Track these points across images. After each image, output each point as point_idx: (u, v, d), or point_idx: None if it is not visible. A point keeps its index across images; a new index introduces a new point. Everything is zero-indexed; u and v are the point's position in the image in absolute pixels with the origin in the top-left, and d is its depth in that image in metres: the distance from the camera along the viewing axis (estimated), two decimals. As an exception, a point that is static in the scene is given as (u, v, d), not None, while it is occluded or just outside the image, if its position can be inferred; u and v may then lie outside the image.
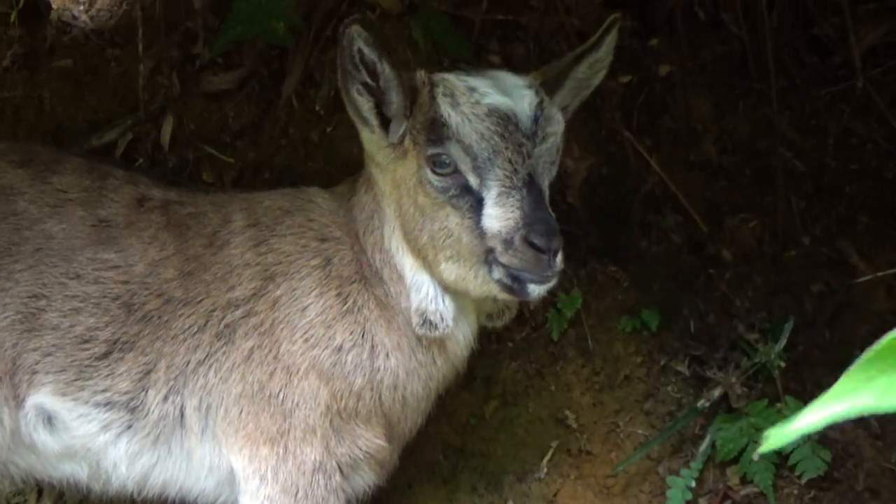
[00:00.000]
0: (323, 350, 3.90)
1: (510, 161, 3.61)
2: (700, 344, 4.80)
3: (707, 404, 4.70)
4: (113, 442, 3.97)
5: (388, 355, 3.93)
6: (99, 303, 3.91)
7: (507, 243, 3.59)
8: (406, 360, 3.96)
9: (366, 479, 4.07)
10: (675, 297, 4.86)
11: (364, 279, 3.93)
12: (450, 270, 3.75)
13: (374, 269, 3.93)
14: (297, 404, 3.89)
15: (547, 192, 3.70)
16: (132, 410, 3.93)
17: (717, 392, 4.70)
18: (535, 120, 3.66)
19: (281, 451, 3.91)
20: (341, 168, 4.81)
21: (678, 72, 4.93)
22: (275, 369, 3.89)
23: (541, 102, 3.70)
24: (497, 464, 4.80)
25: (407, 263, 3.86)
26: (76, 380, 3.92)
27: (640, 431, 4.77)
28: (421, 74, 3.76)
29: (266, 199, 4.11)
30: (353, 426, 3.95)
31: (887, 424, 4.68)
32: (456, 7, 4.86)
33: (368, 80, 3.70)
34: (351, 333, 3.91)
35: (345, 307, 3.91)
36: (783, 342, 4.71)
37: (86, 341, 3.91)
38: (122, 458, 3.99)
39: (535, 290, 3.69)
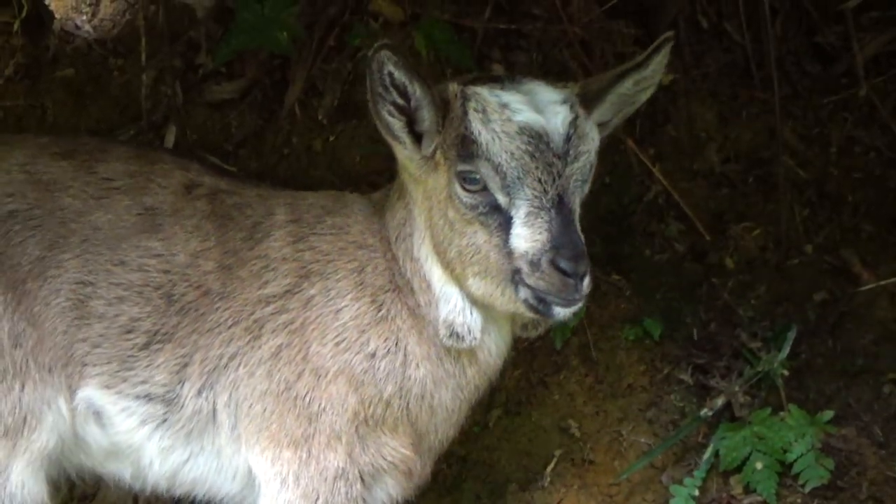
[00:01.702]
0: (355, 355, 3.88)
1: (540, 181, 3.57)
2: (703, 352, 4.80)
3: (710, 413, 4.70)
4: (149, 436, 3.97)
5: (418, 365, 3.91)
6: (141, 291, 3.91)
7: (534, 265, 3.57)
8: (435, 370, 3.93)
9: (389, 491, 4.04)
10: (678, 306, 4.86)
11: (397, 288, 3.91)
12: (477, 286, 3.73)
13: (405, 278, 3.91)
14: (324, 408, 3.87)
15: (578, 211, 3.66)
16: (168, 403, 3.93)
17: (720, 401, 4.70)
18: (568, 138, 3.60)
19: (304, 456, 3.89)
20: (344, 177, 4.82)
21: (681, 80, 4.93)
22: (303, 370, 3.88)
23: (575, 119, 3.64)
24: (500, 473, 4.80)
25: (435, 274, 3.84)
26: (119, 371, 3.92)
27: (643, 440, 4.76)
28: (454, 87, 3.71)
29: (310, 196, 4.09)
30: (378, 434, 3.93)
31: (890, 433, 4.68)
32: (458, 16, 4.85)
33: (399, 101, 3.66)
34: (385, 341, 3.89)
35: (379, 314, 3.89)
36: (786, 350, 4.72)
37: (129, 331, 3.91)
38: (155, 453, 3.99)
39: (561, 313, 3.67)
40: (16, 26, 4.84)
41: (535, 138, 3.58)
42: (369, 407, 3.89)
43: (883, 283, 4.81)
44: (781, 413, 4.65)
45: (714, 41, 4.99)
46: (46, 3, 5.05)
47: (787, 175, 4.87)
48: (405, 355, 3.90)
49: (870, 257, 4.87)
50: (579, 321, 4.80)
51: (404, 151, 3.77)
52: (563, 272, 3.54)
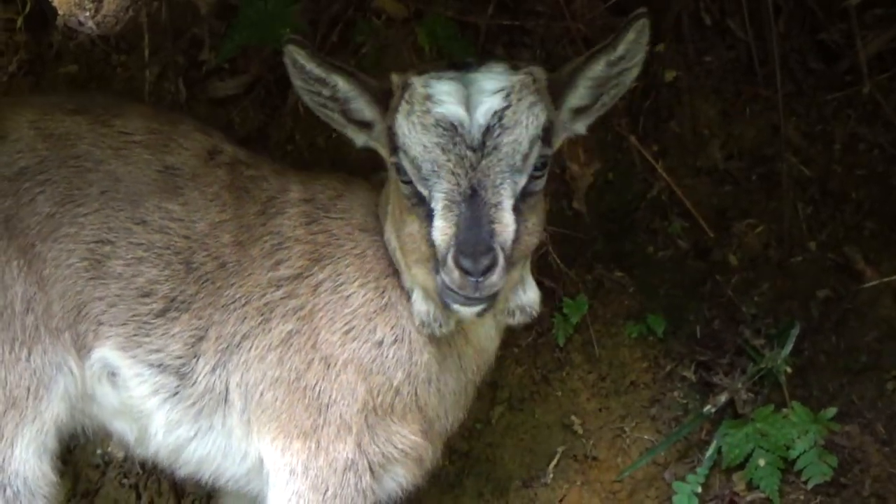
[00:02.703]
0: (363, 343, 3.87)
1: (453, 173, 3.52)
2: (706, 349, 4.81)
3: (713, 410, 4.70)
4: (159, 406, 3.95)
5: (421, 350, 3.90)
6: (161, 254, 3.89)
7: (443, 260, 3.52)
8: (437, 354, 3.92)
9: (400, 479, 4.03)
10: (682, 303, 4.86)
11: (396, 272, 3.90)
12: (416, 272, 3.72)
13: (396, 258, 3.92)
14: (334, 399, 3.86)
15: (506, 202, 3.54)
16: (182, 377, 3.92)
17: (723, 397, 4.70)
18: (487, 129, 3.53)
19: (313, 447, 3.87)
20: (347, 173, 4.81)
21: (684, 77, 4.93)
22: (312, 359, 3.87)
23: (504, 109, 3.55)
24: (503, 469, 4.80)
25: (402, 263, 3.84)
26: (135, 335, 3.90)
27: (646, 437, 4.77)
28: (396, 78, 3.69)
29: (323, 177, 4.08)
30: (388, 422, 3.92)
31: (894, 431, 4.69)
32: (462, 12, 4.85)
33: (325, 92, 3.68)
34: (392, 328, 3.88)
35: (383, 301, 3.89)
36: (789, 348, 4.72)
37: (146, 294, 3.89)
38: (162, 424, 3.97)
39: (461, 311, 3.60)
40: (19, 23, 4.83)
41: (450, 130, 3.52)
42: (378, 395, 3.88)
43: (886, 280, 4.81)
44: (784, 410, 4.66)
45: (717, 38, 4.99)
46: (49, -1, 5.06)
47: (790, 172, 4.87)
48: (410, 342, 3.88)
49: (873, 255, 4.87)
50: (582, 318, 4.80)
51: (359, 139, 3.80)
52: (464, 270, 3.46)
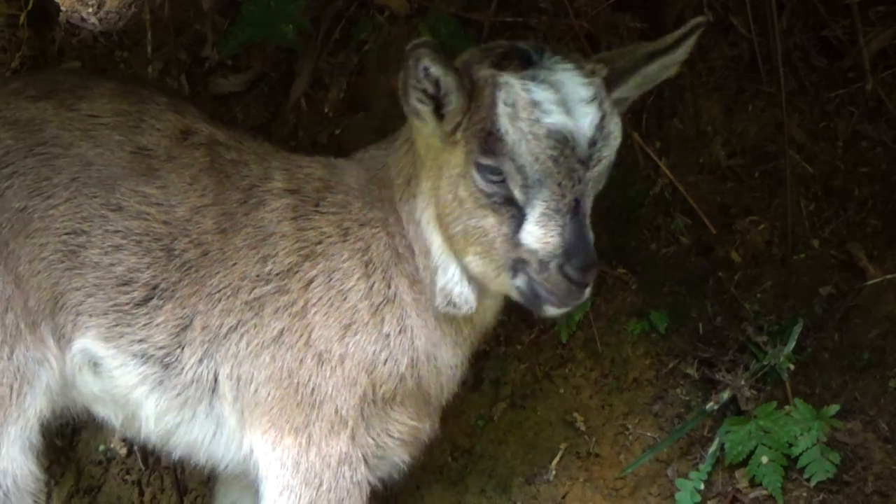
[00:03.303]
0: (368, 336, 3.86)
1: (560, 185, 3.54)
2: (709, 346, 4.80)
3: (716, 407, 4.70)
4: (146, 396, 3.92)
5: (421, 336, 3.91)
6: (140, 241, 3.83)
7: (543, 266, 3.57)
8: (434, 335, 3.93)
9: (397, 461, 4.04)
10: (684, 300, 4.86)
11: (398, 260, 3.90)
12: (475, 264, 3.74)
13: (406, 241, 3.90)
14: (329, 395, 3.84)
15: (590, 208, 3.64)
16: (166, 367, 3.88)
17: (725, 394, 4.69)
18: (593, 142, 3.57)
19: (304, 442, 3.86)
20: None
21: (687, 74, 4.93)
22: (304, 357, 3.85)
23: (602, 119, 3.59)
24: (506, 466, 4.80)
25: (435, 242, 3.84)
26: (116, 325, 3.85)
27: (648, 434, 4.76)
28: (485, 72, 3.65)
29: (304, 164, 4.01)
30: (386, 412, 3.92)
31: (897, 427, 4.69)
32: (464, 9, 4.85)
33: (430, 89, 3.64)
34: (397, 320, 3.88)
35: (389, 292, 3.88)
36: (792, 344, 4.71)
37: (126, 283, 3.83)
38: (151, 413, 3.94)
39: (550, 311, 3.71)
40: (22, 19, 4.84)
41: (562, 143, 3.53)
42: (381, 386, 3.88)
43: (889, 277, 4.81)
44: (787, 407, 4.65)
45: (720, 35, 4.99)
46: (52, -5, 5.07)
47: (793, 169, 4.87)
48: (411, 329, 3.89)
49: (876, 252, 4.87)
50: (584, 315, 4.80)
51: (425, 129, 3.75)
52: (570, 279, 3.54)
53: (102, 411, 4.06)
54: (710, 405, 4.70)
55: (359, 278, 3.88)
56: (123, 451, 5.01)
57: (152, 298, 3.85)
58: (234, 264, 3.87)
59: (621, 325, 4.83)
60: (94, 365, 3.93)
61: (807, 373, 4.77)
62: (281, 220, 3.90)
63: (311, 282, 3.87)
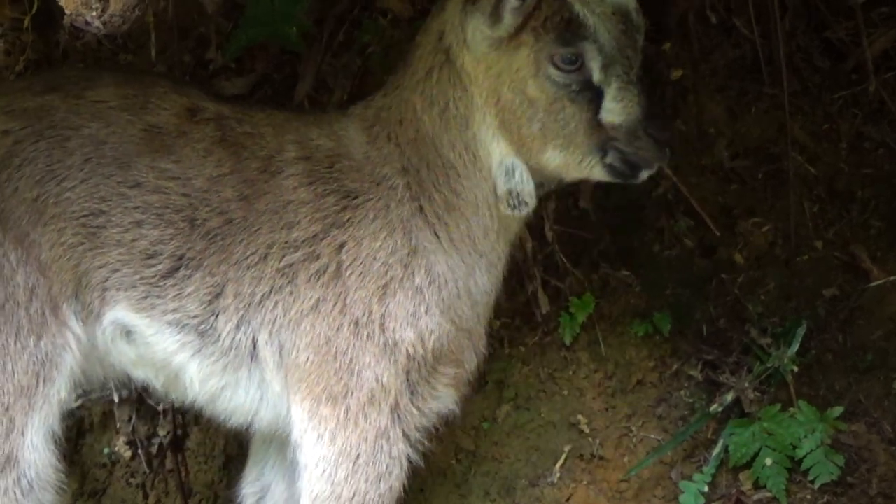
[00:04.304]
0: (405, 293, 3.86)
1: (629, 57, 3.78)
2: (712, 348, 4.80)
3: (720, 409, 4.70)
4: (188, 361, 3.91)
5: (452, 274, 3.92)
6: (161, 213, 3.82)
7: (631, 134, 3.76)
8: (468, 264, 3.96)
9: (445, 409, 4.05)
10: (688, 302, 4.86)
11: (418, 208, 3.92)
12: (555, 157, 3.84)
13: (443, 168, 3.92)
14: (368, 364, 3.83)
15: None
16: (202, 334, 3.87)
17: (729, 396, 4.70)
18: (639, 12, 3.84)
19: (342, 415, 3.84)
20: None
21: (690, 76, 4.93)
22: (341, 324, 3.83)
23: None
24: (509, 468, 4.80)
25: (496, 150, 3.88)
26: (146, 297, 3.85)
27: (652, 436, 4.76)
28: None
29: (315, 137, 4.00)
30: (435, 368, 3.93)
31: (902, 430, 4.69)
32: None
33: None
34: (426, 271, 3.88)
35: (412, 244, 3.88)
36: (796, 346, 4.71)
37: (151, 256, 3.82)
38: (195, 375, 3.93)
39: (644, 174, 3.90)
40: (26, 22, 4.85)
41: (625, 17, 3.79)
42: (429, 339, 3.87)
43: (893, 278, 4.80)
44: (791, 409, 4.65)
45: (723, 36, 4.99)
46: (56, -2, 5.08)
47: (796, 171, 4.87)
48: (441, 275, 3.89)
49: (880, 253, 4.87)
50: (588, 317, 4.80)
51: (486, 31, 3.80)
52: (657, 140, 3.78)
53: (143, 374, 4.05)
54: (713, 407, 4.70)
55: (385, 236, 3.86)
56: (128, 454, 5.01)
57: (179, 269, 3.84)
58: (258, 230, 3.85)
59: (625, 328, 4.83)
60: (128, 333, 3.91)
61: (810, 374, 4.76)
62: (298, 186, 3.89)
63: (342, 245, 3.87)
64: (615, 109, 3.77)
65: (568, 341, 4.81)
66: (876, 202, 4.91)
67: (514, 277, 4.81)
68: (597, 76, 3.75)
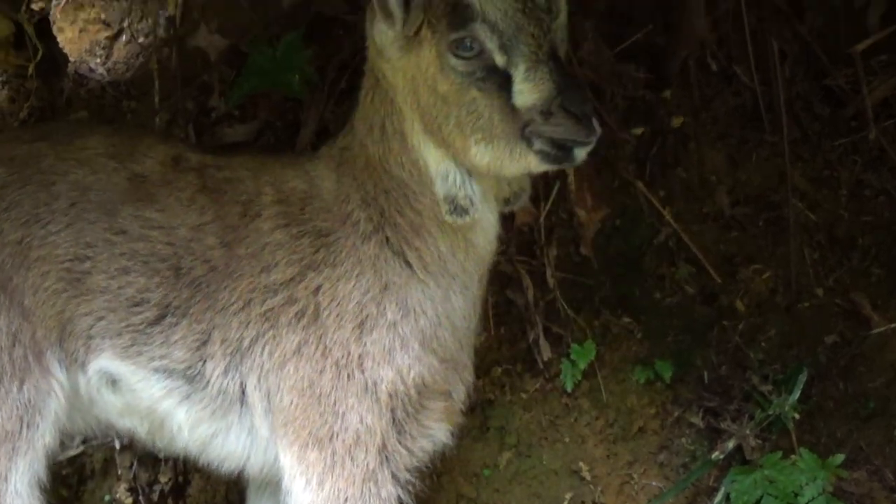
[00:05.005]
0: (379, 330, 3.83)
1: (533, 36, 3.62)
2: (714, 395, 4.81)
3: (721, 456, 4.70)
4: (175, 408, 3.92)
5: (427, 304, 3.89)
6: (147, 261, 3.85)
7: (545, 114, 3.61)
8: (440, 292, 3.92)
9: (439, 442, 4.00)
10: (689, 348, 4.86)
11: (384, 239, 3.89)
12: (482, 153, 3.72)
13: (395, 195, 3.88)
14: (351, 405, 3.82)
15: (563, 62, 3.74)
16: (190, 380, 3.88)
17: (731, 444, 4.70)
18: None
19: (329, 458, 3.83)
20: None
21: (691, 123, 4.95)
22: (324, 366, 3.83)
23: None
24: (511, 515, 4.80)
25: (431, 157, 3.81)
26: (133, 345, 3.86)
27: (654, 483, 4.76)
28: None
29: (289, 177, 4.02)
30: (422, 404, 3.89)
31: (903, 478, 4.69)
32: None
33: None
34: (397, 304, 3.85)
35: (382, 281, 3.86)
36: (797, 393, 4.72)
37: (137, 304, 3.84)
38: (184, 422, 3.93)
39: (580, 154, 3.70)
40: (31, 70, 4.85)
41: None
42: (409, 374, 3.85)
43: (894, 325, 4.82)
44: (792, 456, 4.65)
45: (723, 84, 5.01)
46: (61, 45, 5.08)
47: (796, 218, 4.89)
48: (414, 307, 3.87)
49: (880, 300, 4.88)
50: (589, 364, 4.80)
51: (390, 33, 3.76)
52: (574, 115, 3.60)
53: (128, 423, 4.05)
54: (715, 454, 4.70)
55: (357, 276, 3.86)
56: (129, 500, 5.00)
57: (166, 316, 3.86)
58: (240, 275, 3.88)
59: (626, 374, 4.84)
60: (114, 383, 3.93)
61: (812, 422, 4.77)
62: (274, 228, 3.91)
63: (318, 287, 3.87)
64: (525, 90, 3.62)
65: (569, 388, 4.81)
66: (876, 249, 4.92)
67: (516, 324, 4.83)
68: (499, 59, 3.63)
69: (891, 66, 4.98)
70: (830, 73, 5.01)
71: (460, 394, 4.05)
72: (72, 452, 4.92)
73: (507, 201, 3.99)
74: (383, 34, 3.79)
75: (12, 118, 4.95)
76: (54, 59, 5.01)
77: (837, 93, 5.03)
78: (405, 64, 3.77)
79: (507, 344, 4.82)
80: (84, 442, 4.78)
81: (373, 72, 3.91)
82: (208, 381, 3.89)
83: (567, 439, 4.82)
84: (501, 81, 3.64)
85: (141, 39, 5.07)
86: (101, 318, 3.87)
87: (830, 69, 5.00)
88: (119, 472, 5.02)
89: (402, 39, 3.74)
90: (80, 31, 5.13)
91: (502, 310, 4.85)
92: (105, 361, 3.90)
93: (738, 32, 4.98)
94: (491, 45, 3.64)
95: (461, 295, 3.97)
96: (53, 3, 4.99)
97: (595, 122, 3.63)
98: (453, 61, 3.67)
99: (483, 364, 4.81)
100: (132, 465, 5.01)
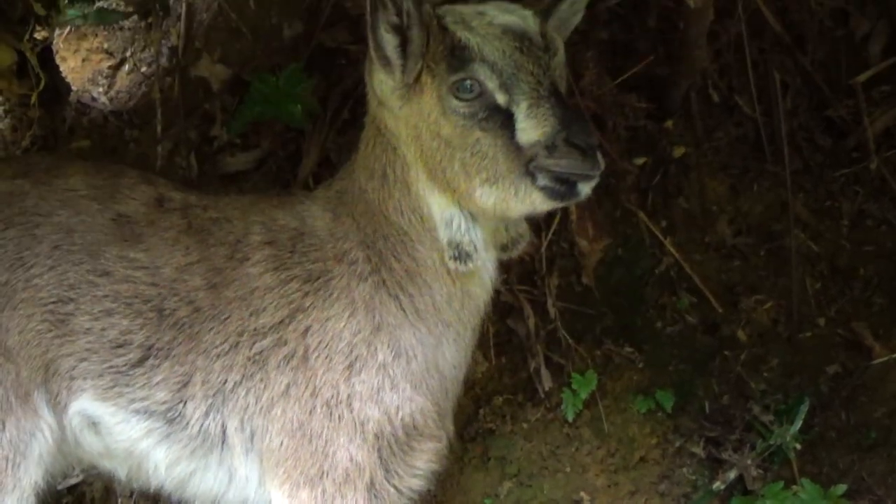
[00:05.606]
0: (369, 371, 3.83)
1: (533, 74, 3.64)
2: (715, 425, 4.80)
3: (722, 486, 4.69)
4: (154, 447, 3.91)
5: (419, 348, 3.88)
6: (131, 303, 3.84)
7: (551, 149, 3.61)
8: (432, 339, 3.90)
9: (426, 481, 3.99)
10: (691, 378, 4.86)
11: (380, 281, 3.88)
12: (488, 194, 3.72)
13: (397, 236, 3.87)
14: (341, 444, 3.82)
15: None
16: (170, 421, 3.87)
17: (732, 474, 4.69)
18: (543, 35, 3.71)
19: (319, 496, 3.83)
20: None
21: (693, 153, 4.97)
22: (314, 407, 3.83)
23: (541, 21, 3.75)
24: (512, 545, 4.79)
25: (435, 204, 3.81)
26: (114, 386, 3.85)
27: (655, 513, 4.76)
28: (427, 9, 3.72)
29: (280, 218, 4.00)
30: (411, 446, 3.88)
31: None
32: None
33: (394, 19, 3.67)
34: (388, 345, 3.84)
35: (374, 321, 3.85)
36: (799, 423, 4.71)
37: (120, 346, 3.84)
38: (161, 461, 3.93)
39: (584, 189, 3.68)
40: (34, 99, 4.87)
41: (519, 35, 3.67)
42: (397, 416, 3.84)
43: (895, 356, 4.81)
44: (794, 487, 4.64)
45: (725, 115, 5.03)
46: (63, 75, 5.11)
47: (798, 248, 4.89)
48: (406, 350, 3.86)
49: (882, 330, 4.88)
50: (591, 393, 4.80)
51: (388, 81, 3.76)
52: (580, 148, 3.59)
53: (109, 465, 4.06)
54: (716, 485, 4.69)
55: (349, 316, 3.85)
56: (129, 533, 5.00)
57: (148, 358, 3.86)
58: (228, 318, 3.87)
59: (627, 404, 4.83)
60: (94, 424, 3.93)
61: (814, 452, 4.76)
62: (263, 272, 3.90)
63: (307, 329, 3.86)
64: (529, 127, 3.63)
65: (570, 418, 4.80)
66: (878, 279, 4.93)
67: (517, 353, 4.83)
68: (500, 98, 3.64)
69: (892, 97, 5.01)
70: (832, 104, 5.03)
71: (444, 438, 4.03)
72: (72, 481, 4.91)
73: (504, 248, 3.98)
74: (383, 84, 3.80)
75: (15, 146, 4.98)
76: (57, 88, 5.04)
77: (839, 123, 5.05)
78: (407, 112, 3.78)
79: (508, 373, 4.82)
80: (84, 470, 4.75)
81: (374, 122, 3.91)
82: (188, 422, 3.88)
83: (568, 469, 4.81)
84: (504, 120, 3.65)
85: (144, 69, 5.11)
86: (83, 360, 3.86)
87: (832, 100, 5.02)
88: (119, 500, 5.01)
89: (403, 88, 3.75)
90: (83, 60, 5.18)
91: (503, 339, 4.85)
92: (85, 402, 3.89)
93: (740, 63, 5.01)
94: (491, 84, 3.65)
95: (454, 344, 3.97)
96: (56, 32, 5.04)
97: (599, 156, 3.63)
98: (455, 103, 3.68)
99: (484, 394, 4.81)
100: (132, 493, 5.00)
